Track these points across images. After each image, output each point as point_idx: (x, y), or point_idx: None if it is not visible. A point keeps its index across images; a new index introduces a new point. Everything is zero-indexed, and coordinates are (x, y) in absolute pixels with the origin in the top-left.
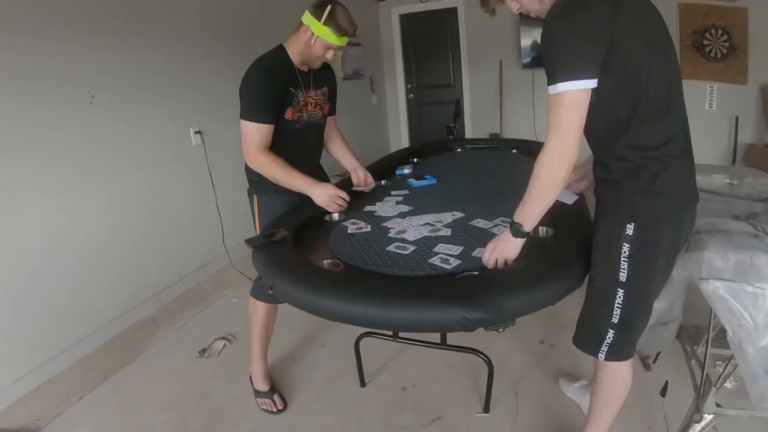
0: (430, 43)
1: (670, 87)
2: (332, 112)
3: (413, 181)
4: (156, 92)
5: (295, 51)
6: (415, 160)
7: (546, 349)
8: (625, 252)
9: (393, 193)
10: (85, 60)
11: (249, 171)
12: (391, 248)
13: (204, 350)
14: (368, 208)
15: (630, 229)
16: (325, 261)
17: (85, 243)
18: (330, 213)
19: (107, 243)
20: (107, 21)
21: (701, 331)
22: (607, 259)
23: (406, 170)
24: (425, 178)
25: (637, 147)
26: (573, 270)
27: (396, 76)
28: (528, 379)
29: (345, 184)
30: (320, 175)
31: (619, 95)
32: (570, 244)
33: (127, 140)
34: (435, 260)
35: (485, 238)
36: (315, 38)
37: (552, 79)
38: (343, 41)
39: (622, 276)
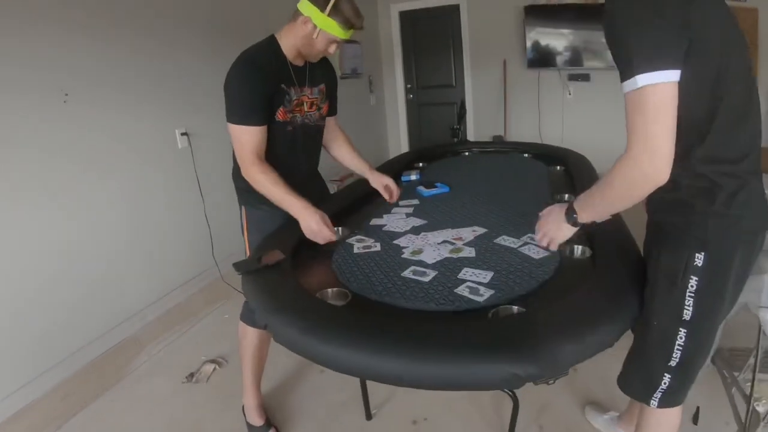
0: (431, 41)
1: (749, 88)
2: (332, 112)
3: (423, 189)
4: (137, 91)
5: (289, 43)
6: (421, 164)
7: (569, 373)
8: (692, 286)
9: (401, 203)
10: (58, 56)
11: (237, 177)
12: (407, 273)
13: (192, 375)
14: (375, 221)
15: (699, 259)
16: (329, 290)
17: (60, 257)
18: (334, 227)
19: (84, 256)
20: (82, 15)
21: (738, 355)
22: (668, 295)
23: (413, 176)
24: (436, 186)
25: (713, 160)
26: (630, 305)
27: (395, 75)
28: (552, 408)
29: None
30: (317, 185)
31: (694, 95)
32: (619, 272)
33: (106, 143)
34: (462, 290)
35: (516, 260)
36: (318, 32)
37: (628, 72)
38: (349, 34)
39: (686, 314)
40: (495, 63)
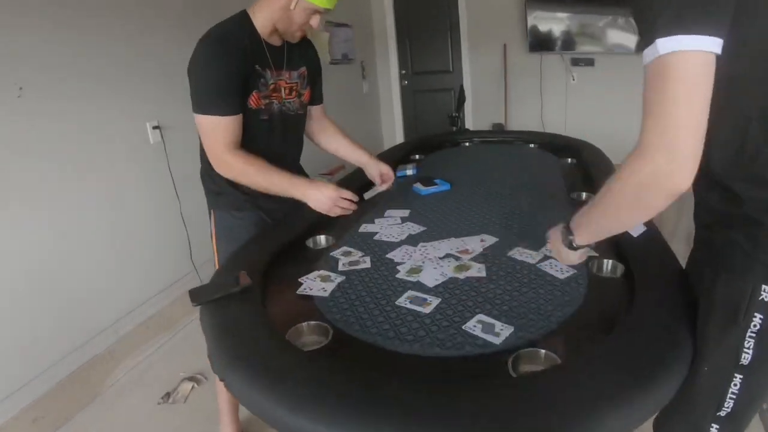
0: (427, 24)
1: None
2: (318, 99)
3: (420, 187)
4: (103, 81)
5: (264, 18)
6: (417, 156)
7: None
8: (754, 326)
9: (394, 209)
10: (10, 44)
11: (205, 178)
12: (403, 301)
13: (168, 394)
14: (365, 227)
15: (766, 292)
16: (305, 324)
17: (22, 267)
18: (315, 236)
19: (49, 266)
20: None
21: None
22: (724, 333)
23: (409, 171)
24: (435, 183)
25: None
26: (685, 348)
27: (389, 61)
28: None
29: (347, 182)
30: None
31: (756, 77)
32: (666, 300)
33: (70, 140)
34: (473, 326)
35: (536, 282)
36: (296, 1)
37: (649, 35)
38: (332, 2)
39: (745, 357)
40: (495, 47)
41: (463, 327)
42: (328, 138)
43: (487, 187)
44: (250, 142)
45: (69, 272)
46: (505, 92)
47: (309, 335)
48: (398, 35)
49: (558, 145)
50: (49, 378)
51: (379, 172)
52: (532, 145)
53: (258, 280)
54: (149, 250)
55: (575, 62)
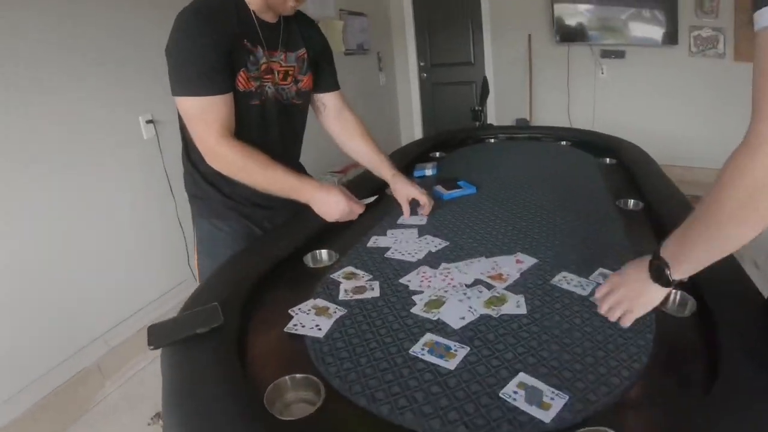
0: (447, 13)
1: None
2: (330, 85)
3: (441, 190)
4: (91, 71)
5: None
6: (437, 154)
7: None
8: None
9: (410, 217)
10: None
11: (186, 179)
12: (419, 350)
13: (158, 415)
14: (376, 241)
15: None
16: (289, 378)
17: (3, 271)
18: (315, 251)
19: (33, 270)
20: None
21: None
22: None
23: (429, 170)
24: (458, 185)
25: None
26: None
27: (407, 51)
28: None
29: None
30: None
31: None
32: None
33: (53, 133)
34: (513, 392)
35: (592, 322)
36: None
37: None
38: None
39: None
40: (519, 38)
41: (500, 394)
42: (348, 137)
43: (519, 191)
44: (240, 134)
45: (54, 277)
46: (530, 85)
47: (294, 392)
48: (417, 25)
49: (594, 143)
50: (33, 393)
51: (407, 197)
52: (564, 143)
53: (237, 310)
54: (142, 254)
55: (605, 54)
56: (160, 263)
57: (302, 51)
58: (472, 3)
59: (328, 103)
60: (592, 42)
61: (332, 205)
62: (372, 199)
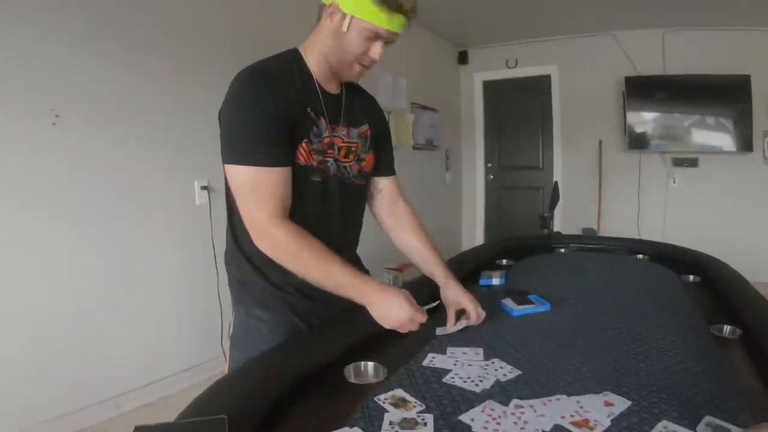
0: (518, 115)
1: None
2: (387, 169)
3: (511, 305)
4: (150, 125)
5: (316, 54)
6: (505, 261)
7: None
8: None
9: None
10: (49, 72)
11: (228, 260)
12: None
13: None
14: (433, 360)
15: None
16: None
17: (25, 315)
18: (360, 362)
19: (56, 317)
20: (83, 26)
21: None
22: None
23: (496, 279)
24: (530, 300)
25: None
26: None
27: (475, 151)
28: None
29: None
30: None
31: None
32: None
33: (102, 185)
34: None
35: None
36: (350, 20)
37: None
38: (396, 24)
39: None
40: (589, 143)
41: None
42: (400, 229)
43: (597, 311)
44: (296, 214)
45: (71, 329)
46: (599, 193)
47: None
48: (486, 125)
49: (673, 257)
50: None
51: (456, 306)
52: (640, 256)
53: (251, 429)
54: (175, 322)
55: (678, 162)
56: (191, 335)
57: (365, 127)
58: (544, 106)
59: (383, 188)
60: (664, 150)
61: (394, 311)
62: (434, 304)
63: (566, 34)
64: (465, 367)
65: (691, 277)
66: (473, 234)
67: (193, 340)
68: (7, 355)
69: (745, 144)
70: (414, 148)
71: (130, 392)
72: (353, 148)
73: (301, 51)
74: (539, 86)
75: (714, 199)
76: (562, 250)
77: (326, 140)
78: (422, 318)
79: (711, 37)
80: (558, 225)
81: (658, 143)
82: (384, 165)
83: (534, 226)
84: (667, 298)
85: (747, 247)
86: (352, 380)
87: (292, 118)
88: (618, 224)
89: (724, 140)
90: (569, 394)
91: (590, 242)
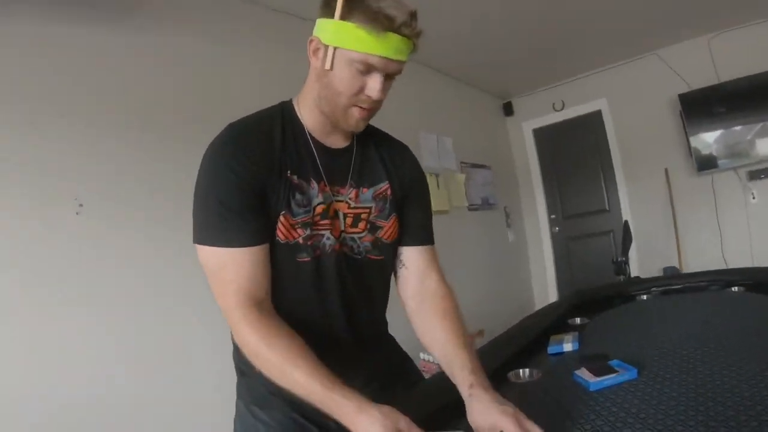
0: (574, 159)
1: None
2: (421, 238)
3: (587, 376)
4: (177, 215)
5: (310, 104)
6: (578, 320)
7: None
8: None
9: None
10: (71, 160)
11: (234, 345)
12: None
13: None
14: None
15: None
16: None
17: (42, 404)
18: None
19: (78, 407)
20: (118, 116)
21: None
22: None
23: (568, 345)
24: (611, 367)
25: None
26: None
27: (536, 204)
28: None
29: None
30: (385, 358)
31: None
32: None
33: (124, 275)
34: None
35: None
36: (332, 53)
37: None
38: (389, 47)
39: None
40: (654, 173)
41: None
42: (424, 316)
43: (699, 369)
44: (285, 300)
45: (95, 415)
46: (675, 226)
47: None
48: (543, 175)
49: None
50: None
51: (486, 428)
52: (735, 289)
53: None
54: (181, 410)
55: (754, 176)
56: (222, 422)
57: (384, 185)
58: (600, 144)
59: (408, 262)
60: (737, 165)
61: None
62: None
63: (608, 64)
64: None
65: None
66: (545, 292)
67: (223, 425)
68: None
69: None
70: (469, 209)
71: None
72: (363, 216)
73: (294, 103)
74: (591, 124)
75: None
76: (644, 297)
77: (319, 208)
78: None
79: (759, 32)
80: (635, 269)
81: (727, 160)
82: (411, 231)
83: (609, 274)
84: None
85: None
86: None
87: (263, 186)
88: (701, 256)
89: None
90: None
91: (674, 282)
